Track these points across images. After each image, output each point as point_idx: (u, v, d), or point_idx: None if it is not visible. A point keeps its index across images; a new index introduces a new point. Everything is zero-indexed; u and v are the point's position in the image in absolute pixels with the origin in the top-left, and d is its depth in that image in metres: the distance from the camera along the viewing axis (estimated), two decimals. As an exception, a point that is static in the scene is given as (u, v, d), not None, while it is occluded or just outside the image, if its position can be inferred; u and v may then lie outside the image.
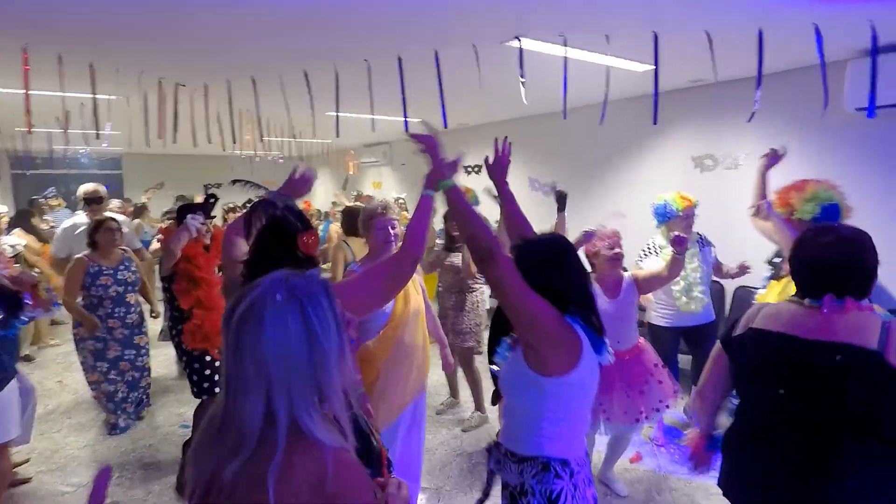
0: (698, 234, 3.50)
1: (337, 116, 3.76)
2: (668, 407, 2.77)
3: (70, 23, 2.70)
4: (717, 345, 1.68)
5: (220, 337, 0.94)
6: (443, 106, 3.09)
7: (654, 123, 2.86)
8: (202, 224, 3.04)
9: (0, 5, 2.44)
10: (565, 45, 2.91)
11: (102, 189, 4.40)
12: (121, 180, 11.09)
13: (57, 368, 5.09)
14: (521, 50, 3.04)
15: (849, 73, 3.40)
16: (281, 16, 2.64)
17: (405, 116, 3.20)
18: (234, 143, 4.07)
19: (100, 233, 3.55)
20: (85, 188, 4.37)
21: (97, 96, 3.45)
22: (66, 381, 4.79)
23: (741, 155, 4.33)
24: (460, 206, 1.49)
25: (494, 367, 1.69)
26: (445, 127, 3.23)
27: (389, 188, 9.12)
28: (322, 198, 11.00)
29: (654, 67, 2.87)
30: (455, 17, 2.71)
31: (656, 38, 2.82)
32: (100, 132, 3.59)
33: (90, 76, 3.27)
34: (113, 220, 3.73)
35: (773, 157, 2.71)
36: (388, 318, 2.36)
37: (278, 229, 1.58)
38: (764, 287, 2.76)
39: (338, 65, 3.42)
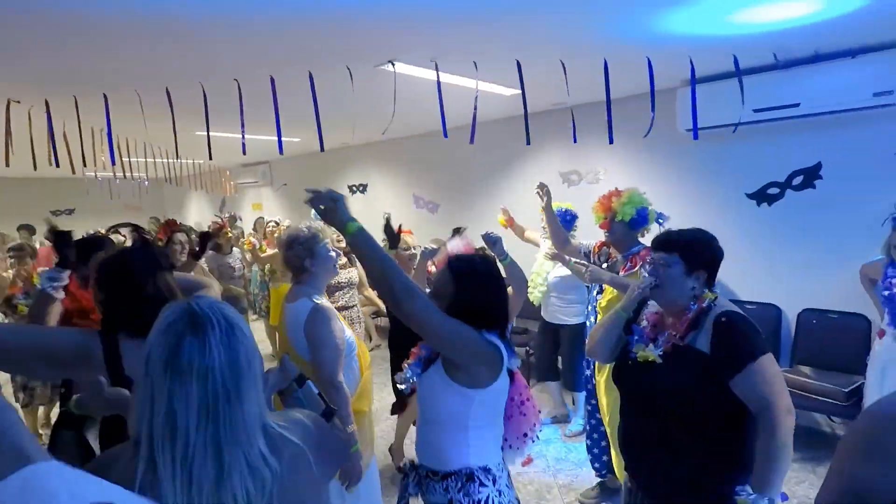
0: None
1: (208, 137, 3.55)
2: (529, 438, 2.60)
3: None
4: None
5: None
6: (319, 127, 3.06)
7: (528, 144, 3.09)
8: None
9: None
10: (437, 70, 3.04)
11: None
12: (-61, 208, 9.42)
13: None
14: (394, 74, 3.13)
15: (678, 99, 3.95)
16: (134, 25, 2.45)
17: (279, 136, 3.12)
18: (84, 165, 3.66)
19: None
20: None
21: None
22: None
23: (601, 170, 4.82)
24: (368, 248, 1.42)
25: (401, 386, 1.71)
26: (322, 150, 3.20)
27: (270, 209, 8.75)
28: (196, 221, 10.27)
29: (521, 92, 3.11)
30: (329, 40, 2.72)
31: (519, 65, 3.06)
32: None
33: None
34: None
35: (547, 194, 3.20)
36: (356, 351, 2.34)
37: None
38: (600, 293, 3.07)
39: (206, 83, 3.25)
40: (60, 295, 1.98)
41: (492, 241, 2.36)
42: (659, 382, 1.59)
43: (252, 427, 0.95)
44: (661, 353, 1.60)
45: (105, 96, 3.35)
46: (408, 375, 1.67)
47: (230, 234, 5.13)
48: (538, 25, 2.66)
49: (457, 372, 1.52)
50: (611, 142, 3.09)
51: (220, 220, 6.32)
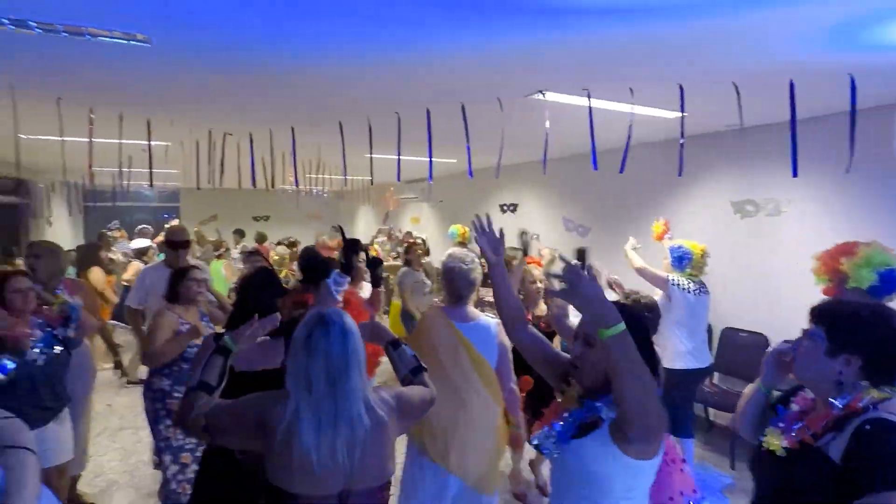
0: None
1: (371, 160, 3.94)
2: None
3: (131, 88, 3.01)
4: None
5: None
6: (469, 157, 3.18)
7: (679, 175, 2.82)
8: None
9: (73, 79, 2.77)
10: (589, 98, 2.94)
11: (187, 231, 3.80)
12: (178, 212, 11.85)
13: (108, 392, 5.36)
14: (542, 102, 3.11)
15: (897, 118, 3.25)
16: (314, 76, 2.83)
17: (430, 164, 3.32)
18: (273, 187, 4.31)
19: (184, 283, 2.91)
20: (171, 228, 3.72)
21: (153, 143, 3.78)
22: (115, 405, 5.06)
23: (784, 201, 4.17)
24: (630, 356, 1.24)
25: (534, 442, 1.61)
26: (471, 176, 3.31)
27: (427, 224, 9.27)
28: (364, 232, 11.30)
29: (681, 120, 2.85)
30: (481, 76, 2.81)
31: (682, 90, 2.81)
32: (155, 172, 3.88)
33: (147, 128, 3.60)
34: (198, 268, 3.17)
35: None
36: None
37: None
38: None
39: (371, 114, 3.60)
40: (340, 298, 2.36)
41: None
42: (778, 480, 1.34)
43: (356, 394, 1.41)
44: (785, 445, 1.32)
45: (292, 129, 3.91)
46: (552, 438, 1.48)
47: (420, 251, 5.33)
48: (708, 51, 2.42)
49: (631, 444, 1.33)
50: (794, 174, 2.65)
51: (408, 235, 6.80)
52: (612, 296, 3.69)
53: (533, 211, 6.88)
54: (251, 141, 4.15)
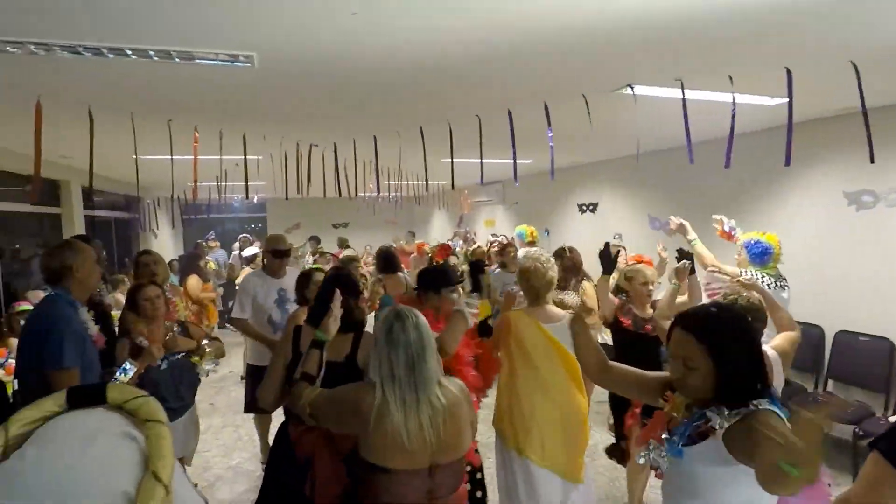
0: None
1: (452, 165, 3.95)
2: None
3: (232, 106, 3.22)
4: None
5: None
6: (552, 159, 3.10)
7: (787, 164, 2.59)
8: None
9: (182, 101, 3.00)
10: (682, 89, 2.77)
11: (287, 240, 3.81)
12: (265, 221, 12.58)
13: (210, 391, 5.74)
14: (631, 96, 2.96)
15: None
16: (400, 84, 2.88)
17: (514, 166, 3.27)
18: (356, 195, 4.43)
19: (310, 286, 3.00)
20: (273, 238, 3.73)
21: (248, 157, 4.02)
22: (217, 404, 5.42)
23: (909, 189, 3.73)
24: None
25: (641, 461, 1.55)
26: (552, 178, 3.23)
27: (501, 226, 9.20)
28: (438, 235, 11.42)
29: (788, 104, 2.62)
30: (564, 73, 2.73)
31: (790, 74, 2.58)
32: (249, 184, 4.13)
33: (243, 143, 3.83)
34: (322, 270, 3.21)
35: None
36: None
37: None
38: None
39: (451, 118, 3.61)
40: (472, 323, 2.50)
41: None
42: None
43: (432, 377, 1.64)
44: None
45: (375, 137, 4.01)
46: (662, 451, 1.45)
47: (513, 253, 5.23)
48: (820, 27, 2.20)
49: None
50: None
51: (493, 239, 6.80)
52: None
53: (614, 209, 6.62)
54: (335, 151, 4.30)
